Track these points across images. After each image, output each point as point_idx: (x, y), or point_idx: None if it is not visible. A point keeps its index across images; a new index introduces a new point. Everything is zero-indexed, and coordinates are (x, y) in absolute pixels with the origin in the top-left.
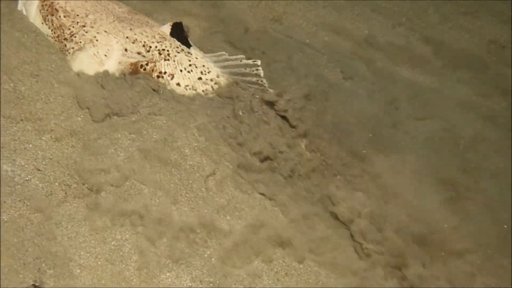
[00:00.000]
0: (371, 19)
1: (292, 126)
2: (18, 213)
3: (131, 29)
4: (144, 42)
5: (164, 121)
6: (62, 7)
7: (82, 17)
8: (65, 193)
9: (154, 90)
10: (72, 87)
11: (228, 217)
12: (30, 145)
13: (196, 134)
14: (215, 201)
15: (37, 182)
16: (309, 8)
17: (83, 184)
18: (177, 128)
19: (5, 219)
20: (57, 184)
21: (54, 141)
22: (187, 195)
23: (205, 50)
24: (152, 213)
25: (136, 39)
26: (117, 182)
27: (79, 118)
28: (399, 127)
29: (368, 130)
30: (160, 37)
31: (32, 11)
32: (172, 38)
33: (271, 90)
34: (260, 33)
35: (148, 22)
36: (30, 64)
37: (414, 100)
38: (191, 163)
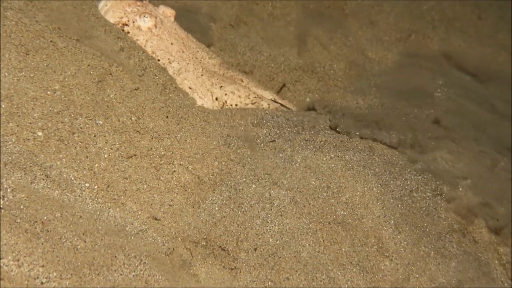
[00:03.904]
0: None
1: None
2: (133, 273)
3: (221, 86)
4: (236, 105)
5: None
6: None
7: (164, 64)
8: (191, 253)
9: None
10: (222, 128)
11: None
12: (145, 186)
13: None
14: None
15: (155, 234)
16: None
17: (216, 242)
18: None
19: (118, 280)
20: (179, 239)
21: (176, 183)
22: (360, 264)
23: None
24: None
25: (226, 102)
26: (262, 241)
27: (216, 162)
28: None
29: None
30: (255, 97)
31: None
32: (268, 99)
33: None
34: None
35: (243, 81)
36: (160, 101)
37: None
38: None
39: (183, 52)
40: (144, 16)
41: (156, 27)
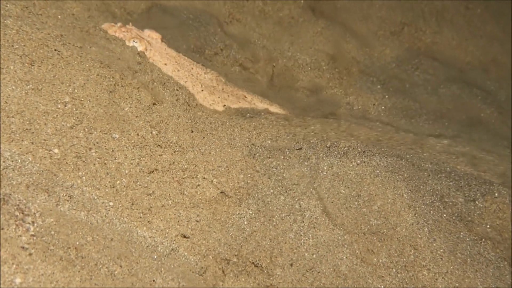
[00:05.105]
0: None
1: None
2: None
3: (224, 105)
4: None
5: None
6: None
7: None
8: (223, 271)
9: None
10: (248, 138)
11: None
12: (170, 202)
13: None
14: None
15: (186, 253)
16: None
17: (248, 258)
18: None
19: None
20: (211, 257)
21: (200, 198)
22: (399, 275)
23: None
24: None
25: None
26: (297, 256)
27: (241, 175)
28: None
29: None
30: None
31: None
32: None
33: None
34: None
35: (246, 97)
36: (186, 118)
37: None
38: (400, 231)
39: (178, 71)
40: (134, 40)
41: (146, 50)
